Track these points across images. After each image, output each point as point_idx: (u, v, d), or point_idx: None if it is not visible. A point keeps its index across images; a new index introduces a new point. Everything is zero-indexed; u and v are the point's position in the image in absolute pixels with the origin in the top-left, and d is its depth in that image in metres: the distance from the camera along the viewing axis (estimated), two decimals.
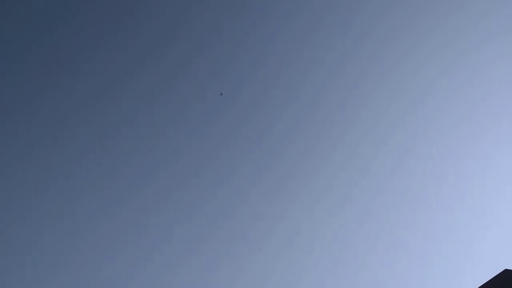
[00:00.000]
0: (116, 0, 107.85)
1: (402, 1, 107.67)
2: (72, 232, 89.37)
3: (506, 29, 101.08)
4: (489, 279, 30.06)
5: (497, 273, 30.02)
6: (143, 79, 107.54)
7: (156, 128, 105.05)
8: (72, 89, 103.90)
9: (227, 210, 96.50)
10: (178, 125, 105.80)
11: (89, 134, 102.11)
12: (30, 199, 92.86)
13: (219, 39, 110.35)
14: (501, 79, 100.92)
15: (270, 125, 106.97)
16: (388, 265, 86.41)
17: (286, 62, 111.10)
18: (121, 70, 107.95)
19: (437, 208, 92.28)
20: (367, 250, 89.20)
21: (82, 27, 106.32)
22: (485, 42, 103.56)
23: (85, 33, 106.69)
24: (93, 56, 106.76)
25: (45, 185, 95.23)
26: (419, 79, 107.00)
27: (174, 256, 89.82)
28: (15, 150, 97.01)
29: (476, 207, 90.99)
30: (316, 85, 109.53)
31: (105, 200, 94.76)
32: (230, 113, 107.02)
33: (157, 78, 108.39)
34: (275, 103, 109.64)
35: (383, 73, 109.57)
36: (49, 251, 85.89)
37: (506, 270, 29.80)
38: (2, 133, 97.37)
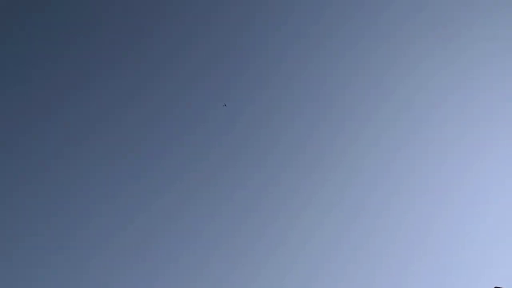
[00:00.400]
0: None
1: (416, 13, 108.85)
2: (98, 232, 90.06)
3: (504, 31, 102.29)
4: None
5: None
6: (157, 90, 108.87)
7: (173, 137, 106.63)
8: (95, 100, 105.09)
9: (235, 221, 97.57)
10: (195, 133, 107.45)
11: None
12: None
13: (230, 47, 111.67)
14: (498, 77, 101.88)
15: (283, 132, 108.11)
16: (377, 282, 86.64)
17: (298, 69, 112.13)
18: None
19: (428, 227, 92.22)
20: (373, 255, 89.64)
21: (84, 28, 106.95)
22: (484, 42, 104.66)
23: (89, 34, 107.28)
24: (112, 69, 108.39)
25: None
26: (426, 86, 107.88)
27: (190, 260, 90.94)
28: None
29: (466, 226, 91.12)
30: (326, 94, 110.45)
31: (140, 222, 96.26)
32: (239, 125, 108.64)
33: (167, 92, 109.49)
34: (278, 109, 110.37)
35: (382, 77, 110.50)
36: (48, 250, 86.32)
37: None
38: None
